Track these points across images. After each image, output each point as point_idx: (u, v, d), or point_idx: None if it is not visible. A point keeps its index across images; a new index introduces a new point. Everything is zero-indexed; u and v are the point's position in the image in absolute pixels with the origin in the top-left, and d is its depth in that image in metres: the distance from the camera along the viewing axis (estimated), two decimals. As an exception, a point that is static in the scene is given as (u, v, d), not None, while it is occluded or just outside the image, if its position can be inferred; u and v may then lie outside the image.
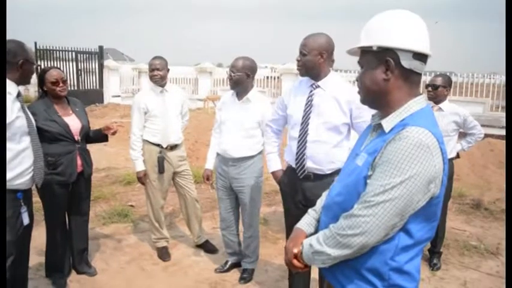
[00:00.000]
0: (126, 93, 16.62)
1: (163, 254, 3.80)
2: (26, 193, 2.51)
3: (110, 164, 7.17)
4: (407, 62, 1.33)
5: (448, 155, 1.62)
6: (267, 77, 15.04)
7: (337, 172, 2.61)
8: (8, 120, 2.27)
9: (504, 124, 10.33)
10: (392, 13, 1.38)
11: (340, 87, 2.56)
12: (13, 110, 2.33)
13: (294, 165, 2.63)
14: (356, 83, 1.46)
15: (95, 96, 15.11)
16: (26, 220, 2.47)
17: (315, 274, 2.94)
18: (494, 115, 10.78)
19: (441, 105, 3.59)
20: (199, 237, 3.95)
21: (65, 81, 3.07)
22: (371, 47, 1.35)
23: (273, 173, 2.92)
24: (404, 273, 1.33)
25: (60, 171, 2.99)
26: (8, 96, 2.30)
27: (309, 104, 2.56)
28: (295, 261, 1.44)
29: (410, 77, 1.36)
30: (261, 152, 3.28)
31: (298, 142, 2.58)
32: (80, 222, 3.31)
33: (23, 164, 2.40)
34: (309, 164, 2.57)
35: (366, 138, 1.48)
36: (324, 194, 1.67)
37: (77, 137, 3.10)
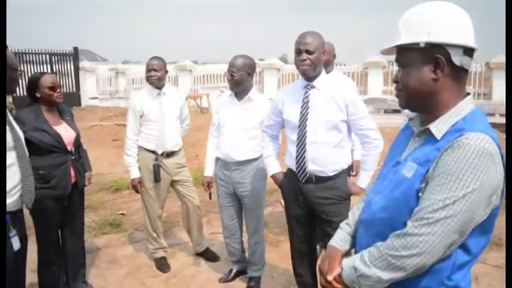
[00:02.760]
0: (104, 94, 16.15)
1: (162, 265, 3.62)
2: (16, 214, 2.23)
3: (94, 170, 6.83)
4: (458, 59, 1.19)
5: None
6: None
7: (339, 175, 2.54)
8: None
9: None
10: (435, 4, 1.24)
11: (334, 84, 2.54)
12: None
13: (294, 169, 2.56)
14: (395, 85, 1.32)
15: (72, 99, 14.57)
16: (16, 245, 2.19)
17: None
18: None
19: None
20: (199, 245, 3.77)
21: (60, 87, 2.85)
22: (417, 43, 1.21)
23: (272, 176, 2.81)
24: None
25: (53, 185, 2.76)
26: None
27: (305, 106, 2.51)
28: (335, 284, 1.30)
29: (459, 75, 1.23)
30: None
31: (297, 145, 2.52)
32: (75, 237, 3.09)
33: (8, 183, 2.10)
34: (311, 167, 2.50)
35: (406, 144, 1.33)
36: (357, 207, 1.51)
37: (70, 148, 2.89)
